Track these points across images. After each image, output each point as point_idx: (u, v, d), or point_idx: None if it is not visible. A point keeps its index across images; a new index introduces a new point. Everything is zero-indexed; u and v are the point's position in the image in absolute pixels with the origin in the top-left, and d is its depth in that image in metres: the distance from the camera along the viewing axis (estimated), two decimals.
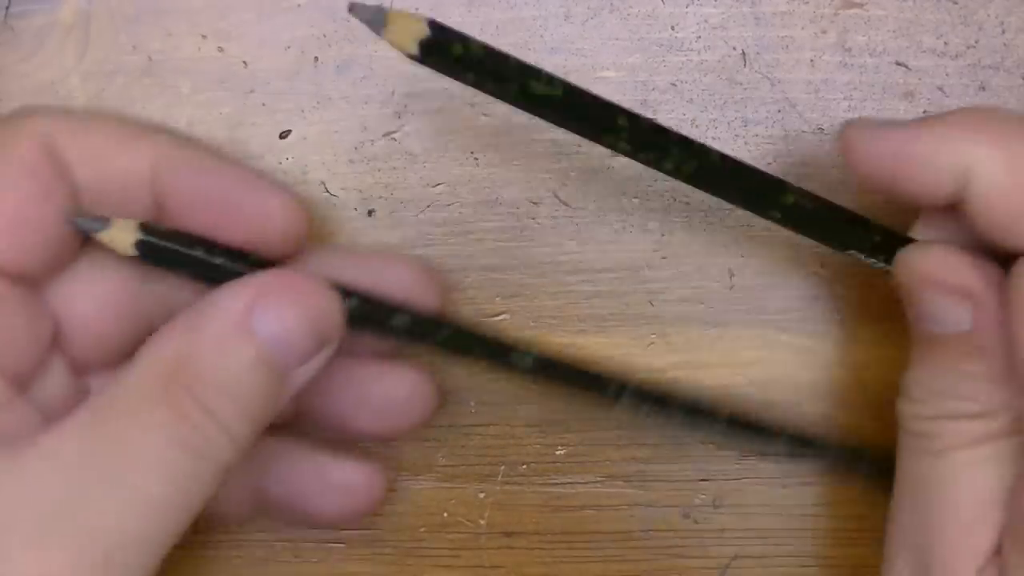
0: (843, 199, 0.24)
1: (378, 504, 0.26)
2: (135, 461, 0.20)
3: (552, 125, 0.26)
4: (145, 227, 0.22)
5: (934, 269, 0.22)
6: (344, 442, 0.26)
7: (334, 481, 0.25)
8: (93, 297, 0.23)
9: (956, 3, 0.26)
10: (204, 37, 0.26)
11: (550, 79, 0.21)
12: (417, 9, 0.26)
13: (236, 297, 0.21)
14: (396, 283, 0.24)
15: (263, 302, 0.21)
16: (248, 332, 0.21)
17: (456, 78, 0.20)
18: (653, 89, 0.26)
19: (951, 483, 0.22)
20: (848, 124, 0.23)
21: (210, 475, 0.21)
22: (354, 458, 0.26)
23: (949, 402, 0.22)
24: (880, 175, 0.22)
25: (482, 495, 0.27)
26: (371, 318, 0.24)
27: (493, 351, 0.25)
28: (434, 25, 0.20)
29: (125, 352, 0.23)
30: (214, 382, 0.21)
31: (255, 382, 0.21)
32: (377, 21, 0.19)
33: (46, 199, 0.21)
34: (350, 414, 0.25)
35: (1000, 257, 0.22)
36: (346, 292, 0.23)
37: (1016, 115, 0.22)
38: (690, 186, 0.22)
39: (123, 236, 0.22)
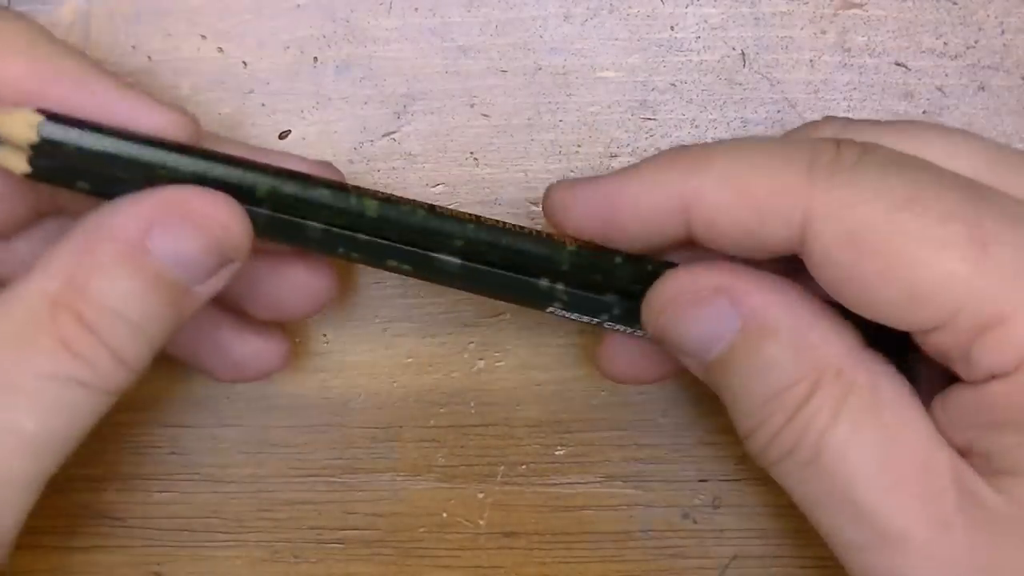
0: None
1: (282, 366, 0.25)
2: (12, 396, 0.19)
3: (550, 127, 0.26)
4: (47, 114, 0.20)
5: (680, 289, 0.22)
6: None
7: (235, 353, 0.25)
8: None
9: (956, 3, 0.26)
10: (204, 37, 0.26)
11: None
12: (417, 10, 0.26)
13: (132, 217, 0.20)
14: None
15: (162, 224, 0.20)
16: (144, 253, 0.20)
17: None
18: (653, 89, 0.26)
19: (846, 465, 0.21)
20: (549, 188, 0.23)
21: (96, 403, 0.20)
22: (255, 330, 0.25)
23: (777, 402, 0.21)
24: (598, 224, 0.22)
25: (481, 495, 0.27)
26: (282, 231, 0.22)
27: (415, 257, 0.22)
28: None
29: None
30: (106, 306, 0.20)
31: (152, 304, 0.21)
32: None
33: None
34: (242, 301, 0.24)
35: None
36: (256, 201, 0.21)
37: (723, 144, 0.22)
38: None
39: (20, 130, 0.21)
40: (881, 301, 0.20)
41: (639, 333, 0.23)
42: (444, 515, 0.27)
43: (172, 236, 0.21)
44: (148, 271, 0.20)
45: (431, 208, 0.22)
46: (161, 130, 0.21)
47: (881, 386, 0.21)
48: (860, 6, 0.26)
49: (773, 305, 0.21)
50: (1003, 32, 0.26)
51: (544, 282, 0.23)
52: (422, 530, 0.27)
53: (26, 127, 0.20)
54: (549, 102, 0.26)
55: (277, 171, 0.22)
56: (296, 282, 0.24)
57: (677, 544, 0.27)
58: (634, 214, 0.22)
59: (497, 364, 0.27)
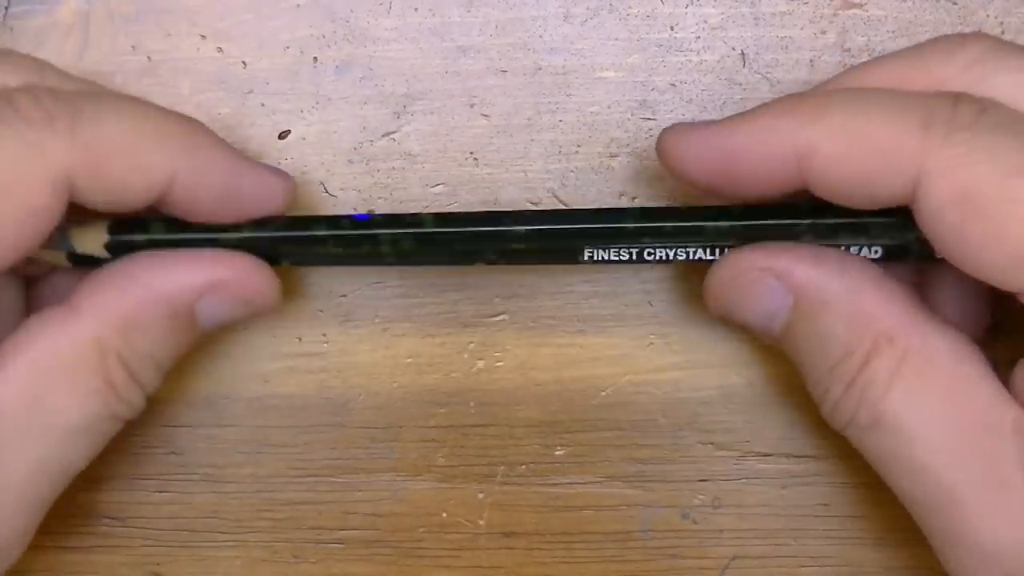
0: None
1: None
2: (61, 423, 0.22)
3: (550, 127, 0.26)
4: (112, 229, 0.23)
5: (731, 272, 0.23)
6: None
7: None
8: None
9: (955, 3, 0.26)
10: (204, 37, 0.26)
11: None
12: (417, 10, 0.26)
13: (186, 286, 0.23)
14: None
15: (212, 295, 0.23)
16: (191, 318, 0.23)
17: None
18: (652, 89, 0.26)
19: (903, 429, 0.21)
20: (664, 131, 0.23)
21: (120, 424, 0.23)
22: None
23: (836, 372, 0.22)
24: (710, 174, 0.22)
25: (481, 495, 0.27)
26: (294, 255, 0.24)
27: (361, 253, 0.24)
28: (113, 228, 0.23)
29: None
30: (148, 355, 0.23)
31: (182, 352, 0.24)
32: (63, 241, 0.23)
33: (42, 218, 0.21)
34: (211, 208, 0.24)
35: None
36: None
37: (841, 92, 0.22)
38: None
39: (94, 241, 0.23)
40: (986, 262, 0.20)
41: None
42: (444, 515, 0.27)
43: (218, 306, 0.23)
44: (189, 329, 0.23)
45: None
46: (274, 199, 0.23)
47: (938, 349, 0.21)
48: (860, 6, 0.26)
49: (822, 279, 0.22)
50: (1003, 32, 0.26)
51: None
52: (422, 530, 0.27)
53: (97, 243, 0.23)
54: (549, 102, 0.26)
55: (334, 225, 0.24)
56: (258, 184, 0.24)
57: (677, 544, 0.27)
58: (748, 161, 0.22)
59: (497, 364, 0.27)
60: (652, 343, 0.27)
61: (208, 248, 0.23)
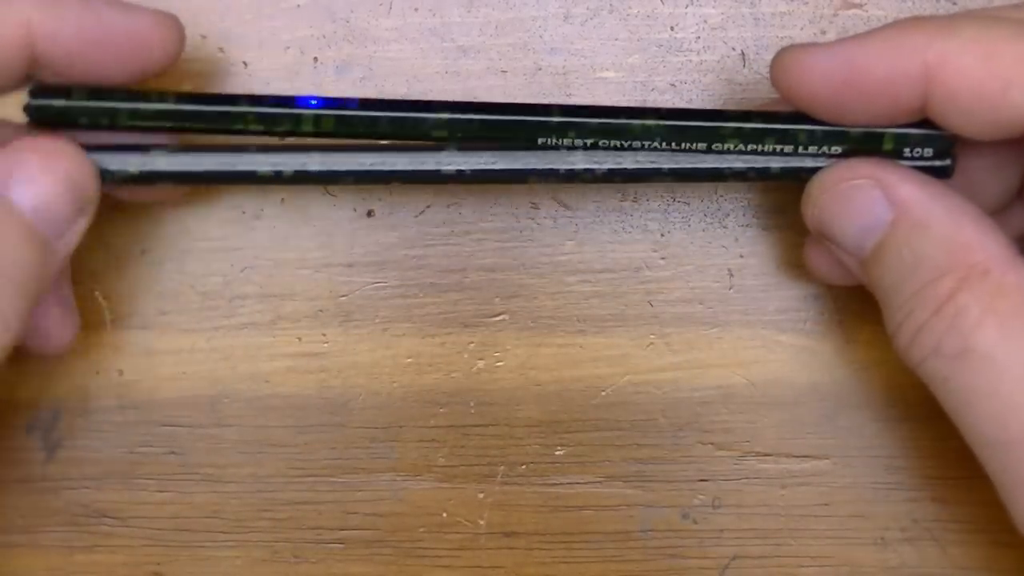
0: None
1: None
2: None
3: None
4: (33, 91, 0.23)
5: (837, 178, 0.23)
6: None
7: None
8: None
9: (955, 4, 0.26)
10: (204, 37, 0.26)
11: (160, 94, 0.23)
12: (417, 10, 0.26)
13: None
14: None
15: (19, 173, 0.22)
16: (9, 206, 0.21)
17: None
18: (653, 89, 0.26)
19: (994, 364, 0.21)
20: (782, 50, 0.22)
21: None
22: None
23: (924, 295, 0.22)
24: (834, 92, 0.22)
25: (481, 495, 0.27)
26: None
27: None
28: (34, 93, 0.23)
29: None
30: None
31: (25, 259, 0.21)
32: None
33: None
34: (93, 60, 0.23)
35: None
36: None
37: (968, 13, 0.22)
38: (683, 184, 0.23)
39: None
40: None
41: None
42: (444, 515, 0.27)
43: (30, 183, 0.22)
44: (17, 225, 0.21)
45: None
46: (152, 39, 0.23)
47: None
48: (860, 6, 0.26)
49: (926, 199, 0.22)
50: None
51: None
52: (422, 530, 0.27)
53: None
54: (549, 102, 0.26)
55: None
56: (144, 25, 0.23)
57: (677, 544, 0.27)
58: (875, 78, 0.21)
59: (497, 364, 0.27)
60: (652, 343, 0.27)
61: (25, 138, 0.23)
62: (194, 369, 0.27)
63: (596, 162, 0.23)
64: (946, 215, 0.22)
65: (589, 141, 0.23)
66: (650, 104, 0.26)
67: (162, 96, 0.23)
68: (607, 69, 0.26)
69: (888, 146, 0.23)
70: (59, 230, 0.22)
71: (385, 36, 0.26)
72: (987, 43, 0.21)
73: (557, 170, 0.23)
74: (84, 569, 0.27)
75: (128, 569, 0.27)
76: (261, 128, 0.23)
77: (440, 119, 0.23)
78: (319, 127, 0.23)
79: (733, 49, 0.26)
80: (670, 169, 0.23)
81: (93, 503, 0.27)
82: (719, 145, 0.23)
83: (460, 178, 0.24)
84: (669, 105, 0.26)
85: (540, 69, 0.26)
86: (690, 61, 0.26)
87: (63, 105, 0.23)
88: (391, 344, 0.27)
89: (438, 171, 0.23)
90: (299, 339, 0.27)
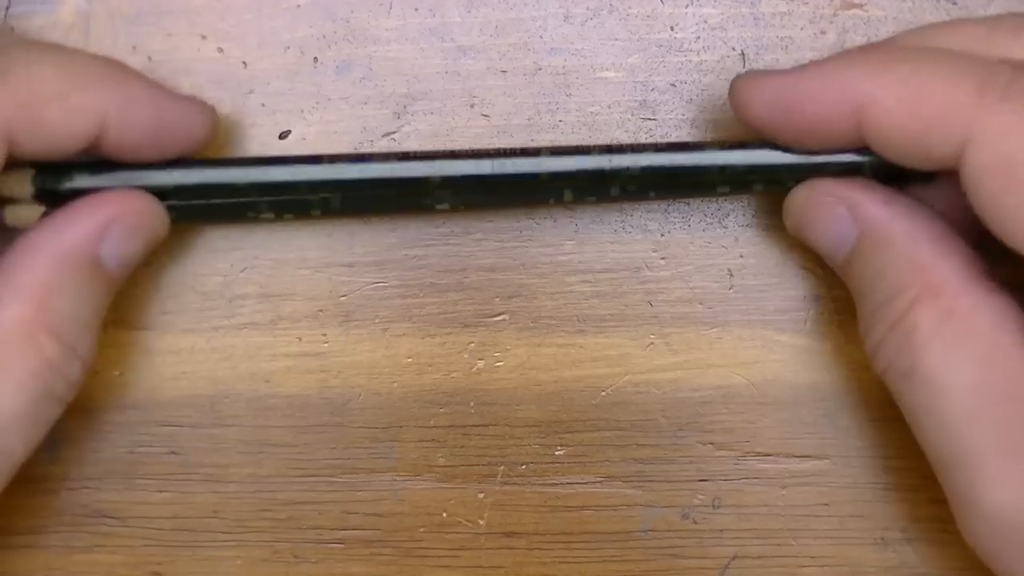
0: None
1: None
2: (2, 413, 0.22)
3: (550, 127, 0.26)
4: (38, 176, 0.24)
5: (807, 197, 0.24)
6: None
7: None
8: None
9: (955, 4, 0.26)
10: (204, 37, 0.26)
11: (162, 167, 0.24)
12: (417, 10, 0.26)
13: (83, 235, 0.23)
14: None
15: (109, 234, 0.23)
16: (99, 265, 0.23)
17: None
18: (652, 89, 0.26)
19: (936, 383, 0.22)
20: (736, 77, 0.24)
21: (62, 406, 0.23)
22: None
23: (883, 311, 0.23)
24: (776, 118, 0.23)
25: (481, 495, 0.27)
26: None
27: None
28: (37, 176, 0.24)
29: None
30: (72, 317, 0.23)
31: (103, 305, 0.24)
32: None
33: None
34: (144, 145, 0.24)
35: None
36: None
37: (904, 49, 0.23)
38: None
39: (20, 186, 0.24)
40: (1018, 231, 0.21)
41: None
42: (444, 515, 0.27)
43: (117, 244, 0.23)
44: (101, 277, 0.23)
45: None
46: (188, 129, 0.24)
47: (982, 313, 0.22)
48: (860, 6, 0.26)
49: (888, 219, 0.23)
50: None
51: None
52: (422, 530, 0.27)
53: (23, 190, 0.24)
54: (549, 102, 0.26)
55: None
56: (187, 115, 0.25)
57: (677, 544, 0.27)
58: (810, 111, 0.22)
59: (497, 364, 0.27)
60: (652, 343, 0.27)
61: (91, 194, 0.24)
62: (194, 369, 0.27)
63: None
64: (906, 235, 0.23)
65: (578, 195, 0.25)
66: (649, 103, 0.26)
67: (163, 168, 0.24)
68: (607, 69, 0.26)
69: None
70: (131, 267, 0.24)
71: (385, 36, 0.26)
72: (913, 86, 0.21)
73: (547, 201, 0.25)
74: (84, 569, 0.27)
75: (128, 569, 0.27)
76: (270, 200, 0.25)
77: (443, 193, 0.24)
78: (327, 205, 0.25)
79: (733, 49, 0.26)
80: (656, 195, 0.25)
81: (93, 503, 0.27)
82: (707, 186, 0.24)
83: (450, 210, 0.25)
84: (669, 106, 0.26)
85: (540, 69, 0.26)
86: (690, 61, 0.26)
87: (68, 187, 0.24)
88: (391, 344, 0.27)
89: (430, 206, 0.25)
90: (299, 339, 0.27)
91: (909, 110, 0.21)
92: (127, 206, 0.24)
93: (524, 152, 0.24)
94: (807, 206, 0.24)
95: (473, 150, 0.24)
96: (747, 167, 0.24)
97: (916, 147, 0.22)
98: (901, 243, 0.23)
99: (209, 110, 0.24)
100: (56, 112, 0.22)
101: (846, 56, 0.23)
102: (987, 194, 0.21)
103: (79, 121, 0.22)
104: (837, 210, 0.24)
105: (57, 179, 0.24)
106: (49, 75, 0.22)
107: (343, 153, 0.25)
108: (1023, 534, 0.21)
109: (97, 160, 0.24)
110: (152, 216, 0.24)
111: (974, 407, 0.22)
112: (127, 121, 0.23)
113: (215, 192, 0.24)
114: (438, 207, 0.25)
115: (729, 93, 0.24)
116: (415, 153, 0.24)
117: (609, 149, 0.24)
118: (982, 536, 0.22)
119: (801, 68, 0.23)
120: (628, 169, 0.24)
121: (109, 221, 0.23)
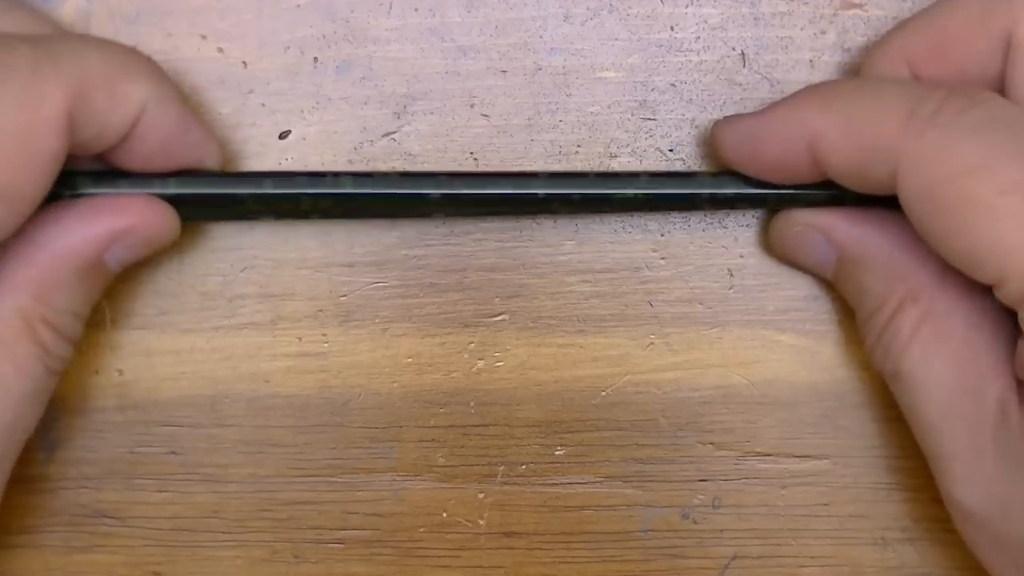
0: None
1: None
2: (7, 393, 0.23)
3: (550, 127, 0.26)
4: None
5: (784, 227, 0.25)
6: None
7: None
8: None
9: None
10: (204, 37, 0.26)
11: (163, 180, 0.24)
12: (417, 10, 0.26)
13: (90, 241, 0.23)
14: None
15: (116, 242, 0.24)
16: (101, 267, 0.24)
17: None
18: (652, 89, 0.26)
19: (915, 384, 0.23)
20: (715, 123, 0.25)
21: (58, 377, 0.24)
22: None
23: (870, 323, 0.24)
24: (744, 158, 0.24)
25: (481, 495, 0.27)
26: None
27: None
28: None
29: None
30: (67, 310, 0.24)
31: (96, 296, 0.25)
32: None
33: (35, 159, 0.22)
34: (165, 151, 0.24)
35: None
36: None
37: (852, 82, 0.24)
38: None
39: None
40: (950, 254, 0.21)
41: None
42: (444, 515, 0.27)
43: (124, 251, 0.24)
44: (100, 276, 0.24)
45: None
46: (205, 159, 0.24)
47: (956, 315, 0.23)
48: (860, 6, 0.26)
49: (859, 238, 0.24)
50: None
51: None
52: (422, 530, 0.27)
53: None
54: (549, 102, 0.26)
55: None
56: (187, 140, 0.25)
57: (677, 544, 0.27)
58: (772, 150, 0.23)
59: (497, 364, 0.27)
60: (652, 343, 0.27)
61: (106, 196, 0.24)
62: (194, 369, 0.27)
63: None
64: (879, 249, 0.24)
65: (572, 212, 0.26)
66: (649, 103, 0.26)
67: (163, 181, 0.24)
68: (607, 69, 0.26)
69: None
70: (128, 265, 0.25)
71: (385, 36, 0.26)
72: (851, 118, 0.22)
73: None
74: (83, 569, 0.27)
75: (128, 569, 0.27)
76: (263, 208, 0.25)
77: (436, 200, 0.25)
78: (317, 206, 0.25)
79: (733, 49, 0.26)
80: (648, 211, 0.26)
81: (92, 503, 0.27)
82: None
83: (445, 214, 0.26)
84: (669, 106, 0.26)
85: (540, 69, 0.26)
86: (690, 61, 0.26)
87: (69, 194, 0.24)
88: (391, 344, 0.27)
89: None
90: (299, 339, 0.27)
91: (850, 142, 0.22)
92: (143, 217, 0.24)
93: (521, 176, 0.25)
94: (786, 235, 0.25)
95: (473, 172, 0.25)
96: (735, 195, 0.25)
97: (862, 175, 0.22)
98: (877, 257, 0.24)
99: (219, 146, 0.25)
100: (103, 99, 0.22)
101: (802, 94, 0.23)
102: (918, 218, 0.21)
103: (123, 110, 0.22)
104: (813, 236, 0.25)
105: (60, 185, 0.23)
106: (95, 62, 0.22)
107: (345, 171, 0.25)
108: (994, 530, 0.22)
109: (103, 169, 0.24)
110: (166, 227, 0.24)
111: (949, 407, 0.23)
112: (159, 118, 0.23)
113: (215, 201, 0.25)
114: (434, 216, 0.26)
115: (710, 136, 0.25)
116: (415, 173, 0.25)
117: (603, 176, 0.25)
118: (963, 532, 0.23)
119: (765, 109, 0.24)
120: (622, 193, 0.25)
121: (122, 231, 0.24)
